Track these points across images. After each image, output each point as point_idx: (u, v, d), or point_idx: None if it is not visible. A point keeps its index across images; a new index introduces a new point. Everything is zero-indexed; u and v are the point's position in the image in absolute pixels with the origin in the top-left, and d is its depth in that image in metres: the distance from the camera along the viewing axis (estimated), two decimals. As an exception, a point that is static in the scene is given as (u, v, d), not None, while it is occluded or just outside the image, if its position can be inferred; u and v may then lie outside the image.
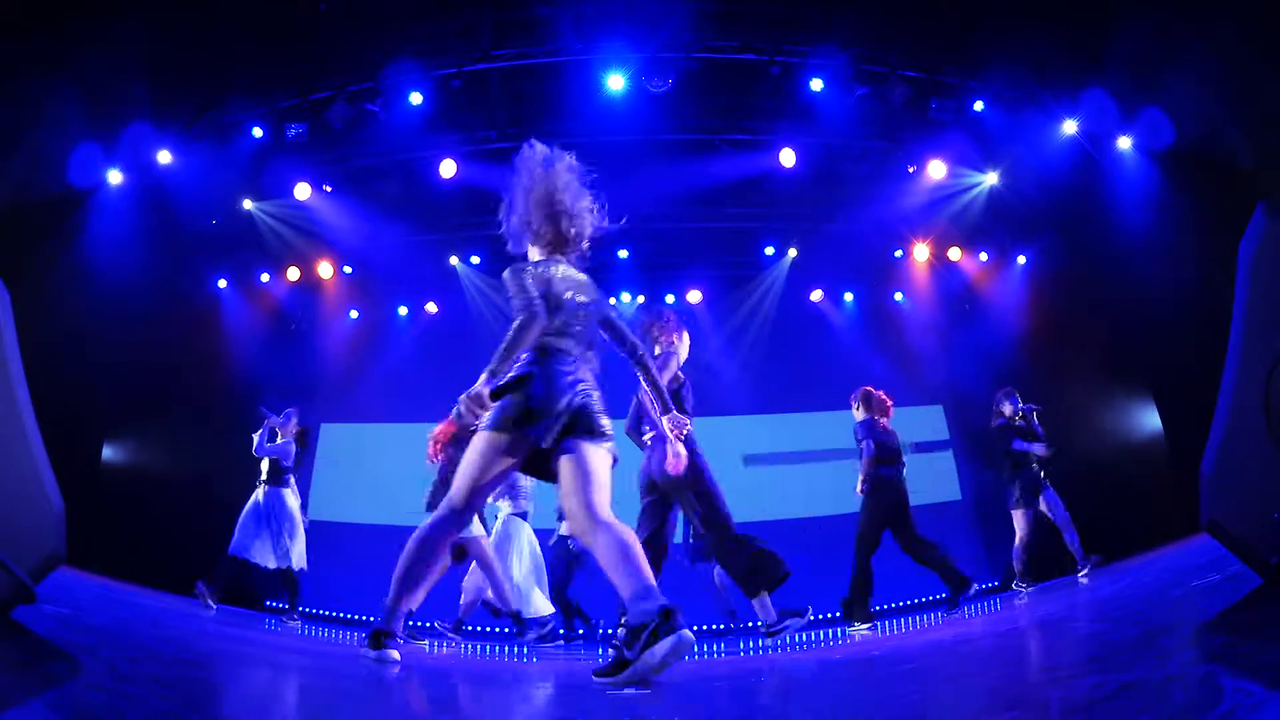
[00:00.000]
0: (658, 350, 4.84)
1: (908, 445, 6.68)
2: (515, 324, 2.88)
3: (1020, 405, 7.19)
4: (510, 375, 2.92)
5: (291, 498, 7.17)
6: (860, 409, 6.52)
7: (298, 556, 7.02)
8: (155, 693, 1.88)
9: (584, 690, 2.78)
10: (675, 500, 4.75)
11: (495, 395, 2.85)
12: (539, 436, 2.84)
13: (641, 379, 3.46)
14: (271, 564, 6.92)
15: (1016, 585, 7.05)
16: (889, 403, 6.58)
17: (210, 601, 6.53)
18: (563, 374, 2.96)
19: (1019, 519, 7.01)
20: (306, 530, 7.30)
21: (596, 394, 3.04)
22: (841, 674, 2.92)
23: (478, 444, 2.92)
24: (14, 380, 2.33)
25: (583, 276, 3.25)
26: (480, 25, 7.81)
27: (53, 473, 2.39)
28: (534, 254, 3.25)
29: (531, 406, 2.86)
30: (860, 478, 6.33)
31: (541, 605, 6.76)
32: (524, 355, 2.96)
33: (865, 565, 6.17)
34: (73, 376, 6.95)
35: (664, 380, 4.43)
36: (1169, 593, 3.36)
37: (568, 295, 3.10)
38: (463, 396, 2.82)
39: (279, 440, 7.20)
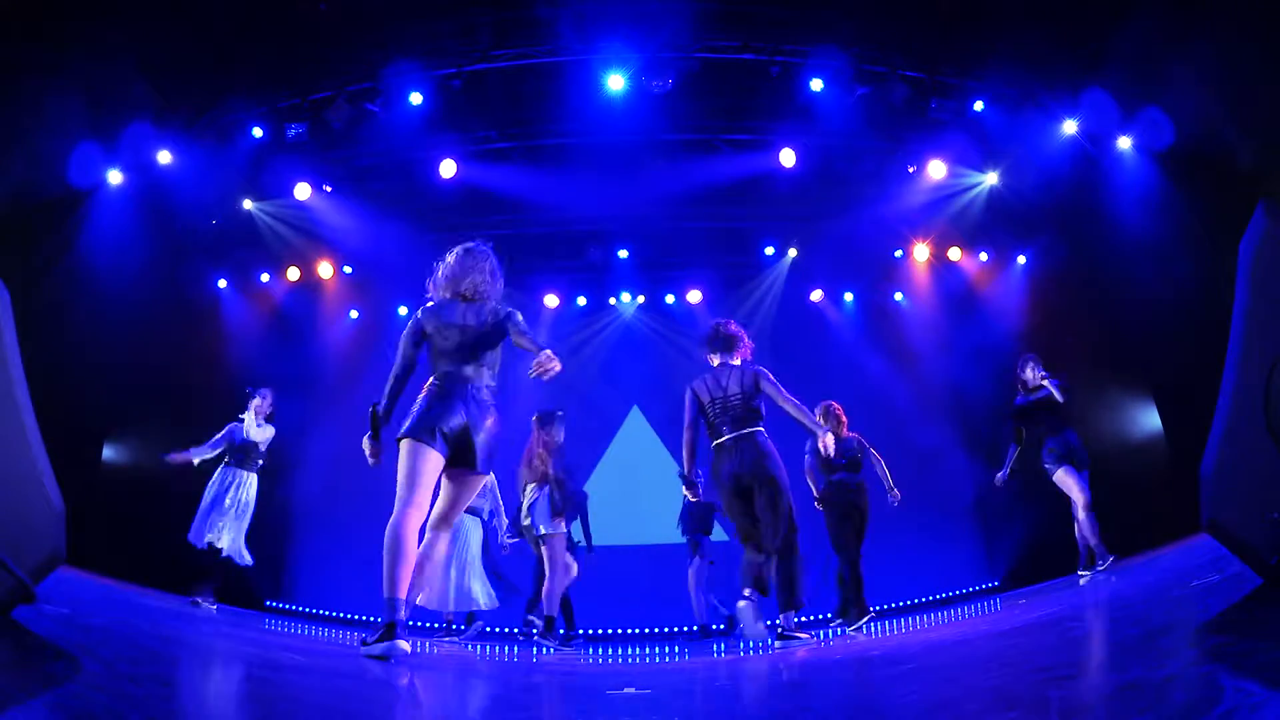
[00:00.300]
0: (734, 359, 5.07)
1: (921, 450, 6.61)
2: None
3: (1040, 372, 6.78)
4: (420, 394, 3.64)
5: (254, 484, 6.97)
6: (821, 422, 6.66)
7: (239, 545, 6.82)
8: (155, 693, 1.88)
9: (584, 691, 2.78)
10: (758, 494, 4.80)
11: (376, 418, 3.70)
12: (433, 442, 3.48)
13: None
14: (226, 546, 6.67)
15: (1092, 568, 6.40)
16: (844, 418, 6.77)
17: (208, 604, 6.45)
18: (455, 394, 3.59)
19: (1062, 480, 6.54)
20: (302, 527, 7.24)
21: (488, 420, 3.64)
22: (841, 674, 2.92)
23: (400, 450, 3.53)
24: (14, 380, 2.33)
25: (478, 301, 3.87)
26: (480, 25, 7.81)
27: (53, 473, 2.39)
28: (431, 293, 4.01)
29: (429, 418, 3.51)
30: (813, 489, 6.55)
31: (482, 600, 6.95)
32: (431, 379, 3.69)
33: (852, 564, 6.28)
34: (73, 376, 6.94)
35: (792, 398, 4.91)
36: (1169, 593, 3.36)
37: (457, 323, 3.76)
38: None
39: (252, 418, 7.00)
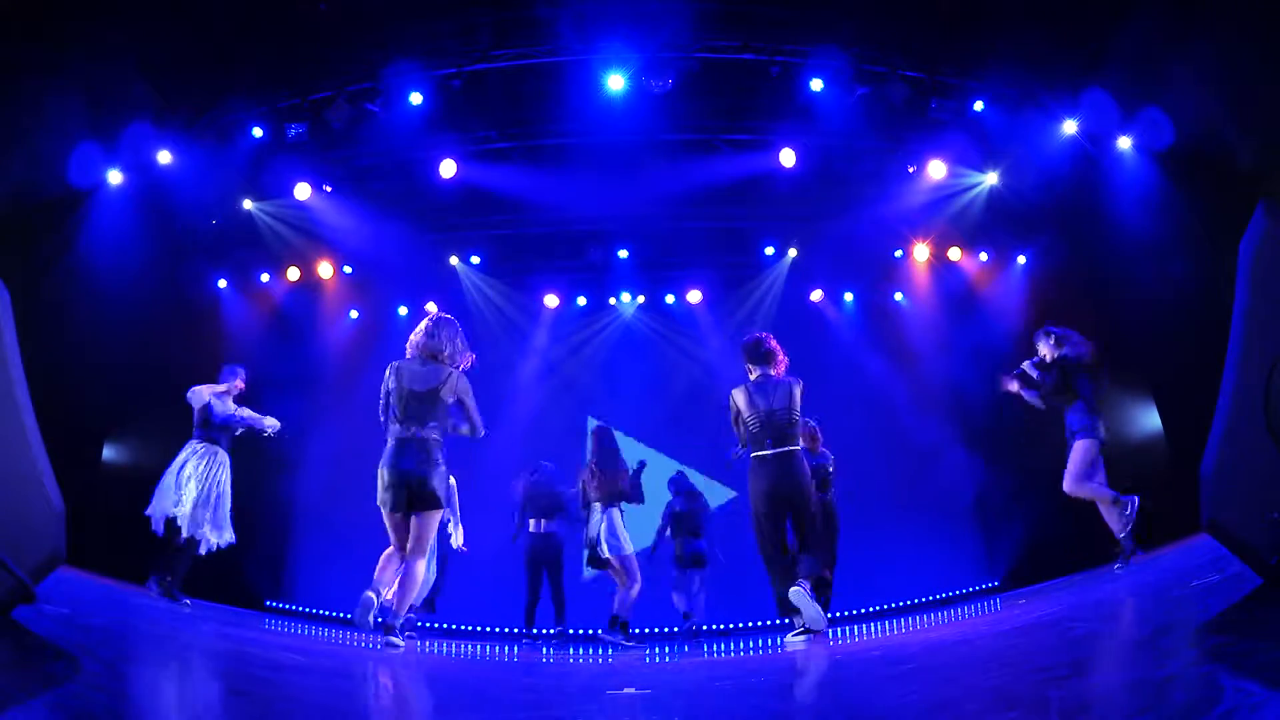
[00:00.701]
0: (774, 371, 5.38)
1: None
2: None
3: (1054, 349, 6.28)
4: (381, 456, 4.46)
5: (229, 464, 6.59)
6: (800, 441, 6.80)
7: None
8: (155, 693, 1.88)
9: (584, 691, 2.79)
10: (789, 509, 5.09)
11: None
12: (394, 508, 4.35)
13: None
14: (211, 536, 6.27)
15: (1121, 562, 5.83)
16: (818, 436, 7.03)
17: (178, 595, 6.11)
18: (402, 454, 4.36)
19: (1078, 450, 6.00)
20: (302, 527, 7.08)
21: (439, 468, 4.40)
22: (842, 674, 2.92)
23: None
24: (14, 380, 2.33)
25: (439, 364, 4.53)
26: (480, 25, 7.80)
27: (53, 473, 2.39)
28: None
29: (388, 488, 4.36)
30: None
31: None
32: (388, 440, 4.46)
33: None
34: (73, 376, 6.93)
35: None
36: (1169, 593, 3.36)
37: (410, 388, 4.45)
38: None
39: (222, 391, 6.68)
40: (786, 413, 5.20)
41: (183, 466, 6.40)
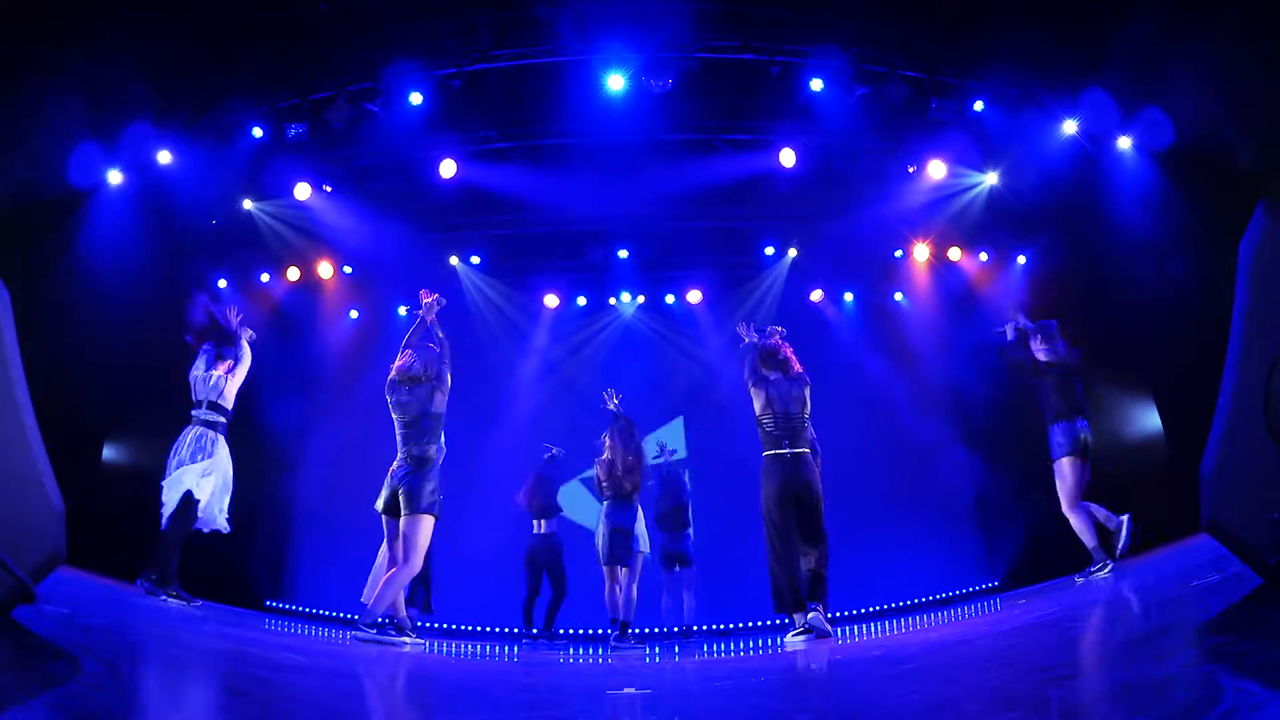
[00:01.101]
0: (788, 374, 5.57)
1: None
2: None
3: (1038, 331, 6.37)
4: None
5: None
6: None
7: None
8: (155, 693, 1.88)
9: (583, 691, 2.79)
10: (798, 507, 5.26)
11: None
12: (385, 511, 5.07)
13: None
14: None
15: (1093, 571, 5.83)
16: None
17: (177, 595, 5.84)
18: (399, 467, 5.06)
19: (1062, 469, 6.14)
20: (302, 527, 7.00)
21: (430, 480, 4.98)
22: (842, 674, 2.92)
23: None
24: (14, 380, 2.33)
25: (422, 382, 5.12)
26: (480, 25, 7.80)
27: (53, 473, 2.39)
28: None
29: (384, 494, 5.05)
30: None
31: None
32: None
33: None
34: (73, 376, 6.93)
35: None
36: (1169, 593, 3.36)
37: (402, 415, 5.11)
38: None
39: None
40: (801, 419, 5.41)
41: (211, 456, 6.20)
